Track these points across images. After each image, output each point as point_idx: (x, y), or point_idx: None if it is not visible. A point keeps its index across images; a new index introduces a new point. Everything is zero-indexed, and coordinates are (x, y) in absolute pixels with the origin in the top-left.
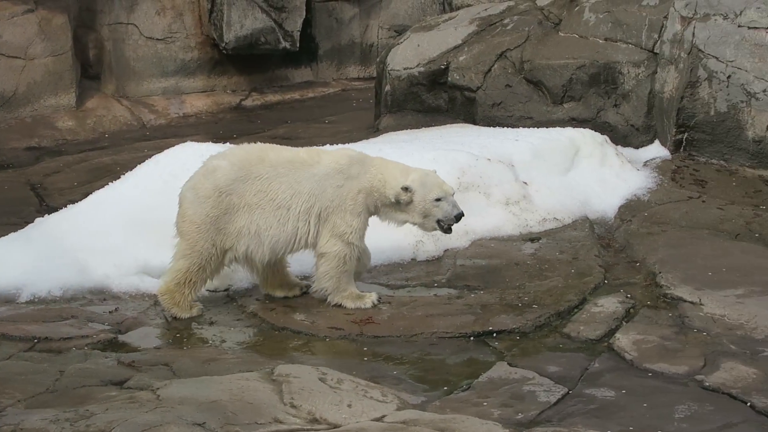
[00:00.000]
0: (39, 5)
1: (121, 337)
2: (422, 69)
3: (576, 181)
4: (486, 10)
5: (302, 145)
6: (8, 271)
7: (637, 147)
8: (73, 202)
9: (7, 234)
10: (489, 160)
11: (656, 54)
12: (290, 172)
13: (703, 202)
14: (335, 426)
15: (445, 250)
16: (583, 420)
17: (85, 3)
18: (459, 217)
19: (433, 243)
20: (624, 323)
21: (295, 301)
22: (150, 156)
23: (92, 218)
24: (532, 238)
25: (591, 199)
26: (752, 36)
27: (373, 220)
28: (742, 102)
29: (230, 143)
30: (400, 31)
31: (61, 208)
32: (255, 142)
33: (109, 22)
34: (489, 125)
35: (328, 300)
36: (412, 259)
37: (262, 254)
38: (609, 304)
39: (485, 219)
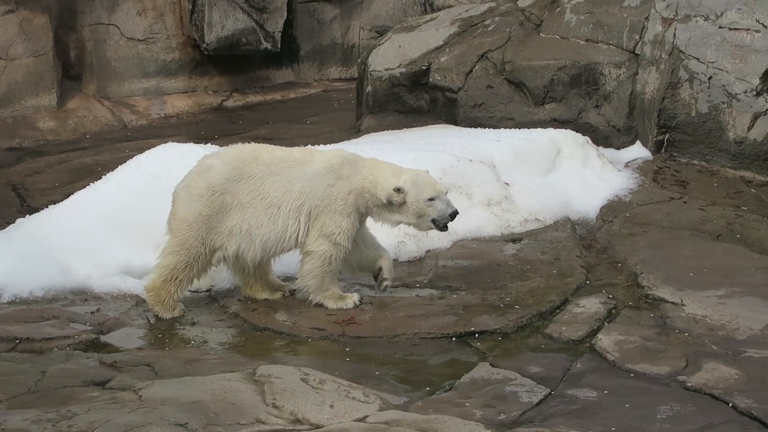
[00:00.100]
0: (20, 6)
1: (103, 338)
2: (403, 70)
3: (557, 182)
4: (467, 11)
5: (284, 146)
6: None
7: (618, 148)
8: (55, 202)
9: None
10: (470, 160)
11: (637, 55)
12: (283, 171)
13: (685, 203)
14: (317, 426)
15: (427, 251)
16: (566, 420)
17: (66, 3)
18: (454, 215)
19: (414, 244)
20: (606, 324)
21: (277, 301)
22: (131, 156)
23: (74, 219)
24: (514, 238)
25: (572, 200)
26: (733, 37)
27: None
28: (723, 103)
29: (212, 144)
30: (381, 32)
31: (43, 209)
32: (249, 143)
33: (90, 23)
34: (470, 126)
35: (310, 298)
36: (393, 260)
37: (254, 253)
38: (591, 305)
39: (467, 220)
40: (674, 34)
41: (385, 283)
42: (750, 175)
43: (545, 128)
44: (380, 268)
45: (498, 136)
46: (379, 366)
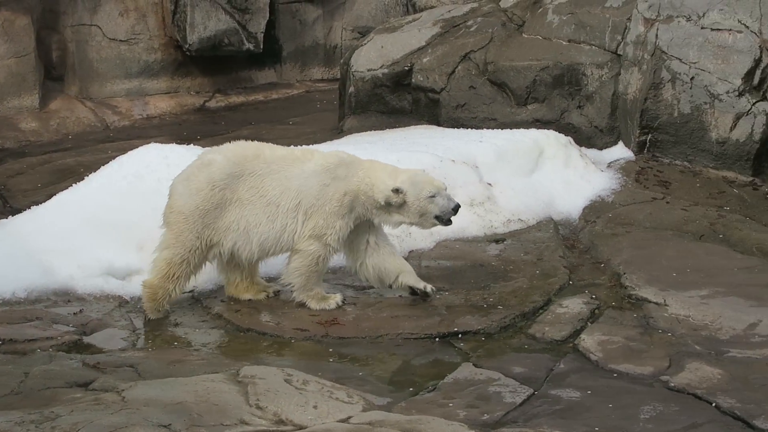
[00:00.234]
0: (2, 6)
1: (86, 339)
2: (386, 70)
3: (540, 183)
4: (449, 11)
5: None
6: None
7: (601, 148)
8: (37, 203)
9: None
10: (453, 161)
11: (620, 55)
12: (282, 169)
13: (667, 203)
14: (301, 427)
15: (410, 252)
16: (549, 421)
17: (48, 4)
18: (456, 208)
19: (397, 244)
20: (589, 324)
21: (261, 302)
22: (114, 157)
23: (56, 220)
24: (497, 239)
25: (555, 201)
26: (715, 38)
27: None
28: (705, 103)
29: (194, 145)
30: (363, 33)
31: (25, 210)
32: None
33: (72, 24)
34: (453, 127)
35: (293, 296)
36: None
37: (250, 252)
38: (574, 305)
39: None
40: (656, 35)
41: (428, 289)
42: (732, 176)
43: (528, 129)
44: (407, 285)
45: (480, 136)
46: (362, 366)
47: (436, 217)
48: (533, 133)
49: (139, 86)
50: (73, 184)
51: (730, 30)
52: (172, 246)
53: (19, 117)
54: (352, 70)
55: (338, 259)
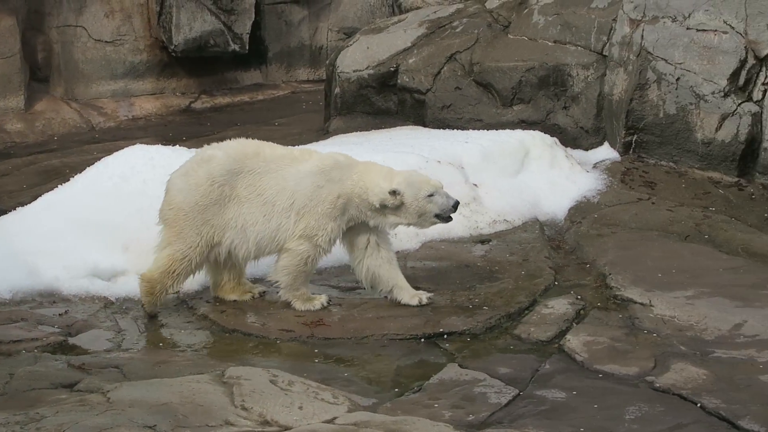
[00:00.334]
0: None
1: (71, 340)
2: (372, 71)
3: (526, 183)
4: (435, 12)
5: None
6: None
7: (586, 149)
8: (22, 204)
9: None
10: (439, 162)
11: (605, 56)
12: (280, 168)
13: (653, 203)
14: (286, 428)
15: (396, 252)
16: (534, 421)
17: (34, 5)
18: (456, 205)
19: None
20: (574, 325)
21: (246, 303)
22: (99, 158)
23: (41, 221)
24: (483, 239)
25: (541, 201)
26: (701, 38)
27: None
28: (691, 104)
29: (179, 146)
30: (349, 34)
31: (10, 211)
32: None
33: (58, 25)
34: (439, 127)
35: (279, 294)
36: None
37: (247, 250)
38: (559, 306)
39: None
40: (642, 36)
41: (423, 303)
42: (718, 176)
43: (513, 129)
44: (399, 302)
45: (466, 137)
46: (347, 367)
47: (437, 216)
48: (519, 133)
49: (124, 87)
50: (59, 186)
51: (716, 31)
52: (173, 243)
53: (5, 118)
54: (338, 71)
55: (325, 260)
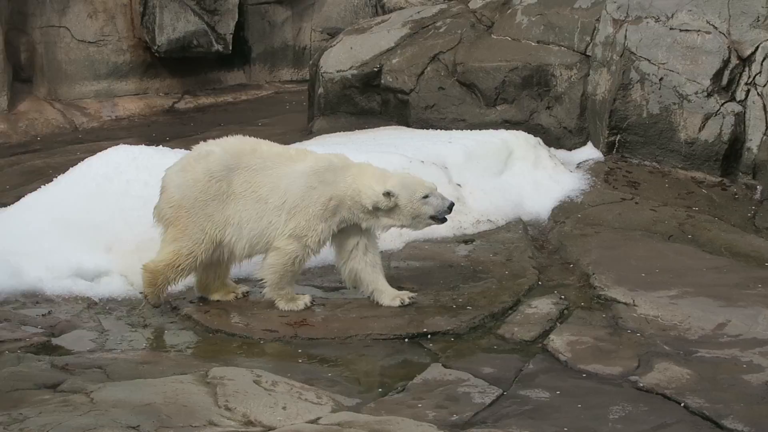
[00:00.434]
0: None
1: (55, 341)
2: (355, 72)
3: (509, 183)
4: (419, 12)
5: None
6: None
7: (570, 149)
8: (5, 205)
9: None
10: (422, 162)
11: (588, 56)
12: (275, 167)
13: (636, 203)
14: (270, 428)
15: (380, 252)
16: (518, 421)
17: (17, 5)
18: (451, 206)
19: None
20: (558, 324)
21: (230, 303)
22: (82, 159)
23: (25, 221)
24: (466, 240)
25: (524, 201)
26: (684, 38)
27: None
28: (674, 104)
29: (163, 146)
30: (332, 34)
31: None
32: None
33: (41, 25)
34: (422, 127)
35: (264, 292)
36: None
37: (241, 248)
38: (543, 306)
39: None
40: (625, 36)
41: (405, 303)
42: (701, 176)
43: (497, 129)
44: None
45: (450, 137)
46: (331, 367)
47: (431, 217)
48: (502, 133)
49: (108, 88)
50: (42, 186)
51: (699, 31)
52: (179, 239)
53: None
54: (321, 71)
55: (309, 261)
